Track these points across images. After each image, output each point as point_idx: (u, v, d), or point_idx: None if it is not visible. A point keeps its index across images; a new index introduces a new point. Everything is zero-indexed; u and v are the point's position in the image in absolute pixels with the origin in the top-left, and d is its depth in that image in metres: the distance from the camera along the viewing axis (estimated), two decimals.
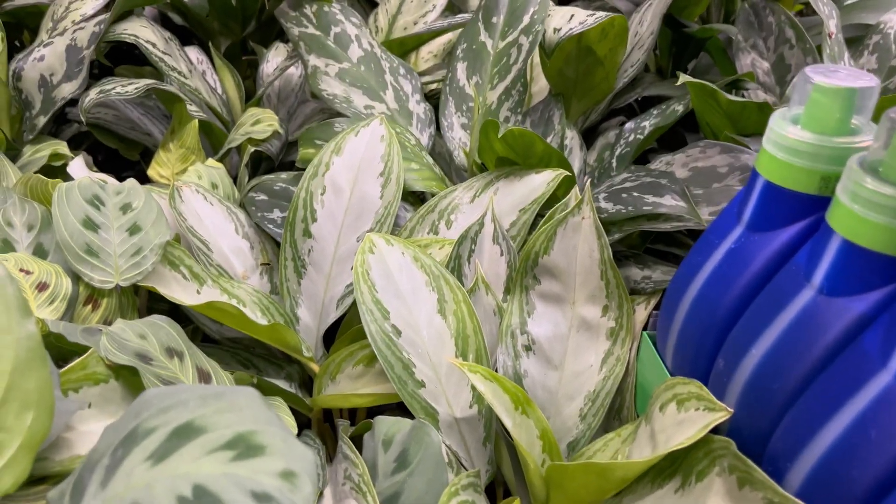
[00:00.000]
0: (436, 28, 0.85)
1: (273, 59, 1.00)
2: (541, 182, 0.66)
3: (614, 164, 0.81)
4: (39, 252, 0.56)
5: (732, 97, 0.68)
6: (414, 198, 0.73)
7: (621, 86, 0.87)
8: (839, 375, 0.36)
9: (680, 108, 0.80)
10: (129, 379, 0.49)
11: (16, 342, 0.34)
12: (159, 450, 0.33)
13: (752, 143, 0.60)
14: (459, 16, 0.86)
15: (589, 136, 0.95)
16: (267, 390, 0.66)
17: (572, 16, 0.79)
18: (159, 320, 0.53)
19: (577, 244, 0.59)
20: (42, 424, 0.35)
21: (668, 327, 0.50)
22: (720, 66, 0.96)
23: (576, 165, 0.85)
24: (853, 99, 0.40)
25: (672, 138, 0.94)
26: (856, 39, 0.90)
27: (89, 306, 0.56)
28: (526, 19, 0.75)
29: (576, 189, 0.61)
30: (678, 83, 0.65)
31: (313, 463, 0.32)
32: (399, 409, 0.70)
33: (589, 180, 0.59)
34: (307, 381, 0.72)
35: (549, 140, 0.83)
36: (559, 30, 0.78)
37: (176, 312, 0.75)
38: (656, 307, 0.58)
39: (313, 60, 0.78)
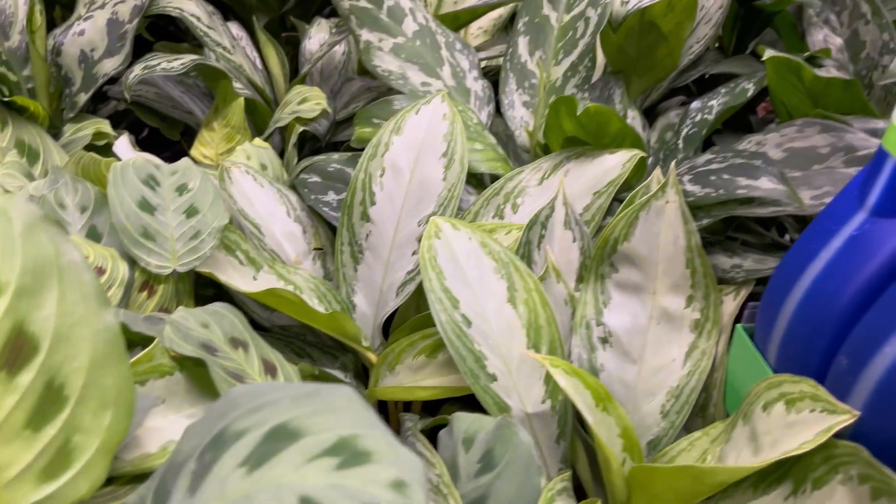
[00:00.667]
0: (492, 1, 0.80)
1: (315, 36, 0.96)
2: (615, 163, 0.62)
3: (681, 146, 0.77)
4: (93, 235, 0.53)
5: (818, 72, 0.64)
6: (476, 180, 0.69)
7: (686, 63, 0.83)
8: None
9: (750, 87, 0.76)
10: (193, 370, 0.46)
11: (94, 335, 0.31)
12: (254, 455, 0.30)
13: (852, 121, 0.56)
14: None
15: (648, 116, 0.91)
16: (324, 381, 0.63)
17: None
18: (221, 308, 0.50)
19: (661, 230, 0.55)
20: (121, 424, 0.32)
21: (772, 321, 0.47)
22: (787, 43, 0.91)
23: None
24: None
25: (735, 121, 0.89)
26: None
27: (145, 292, 0.53)
28: None
29: (657, 171, 0.58)
30: (764, 58, 0.61)
31: (423, 471, 0.29)
32: (459, 402, 0.67)
33: (672, 160, 0.55)
34: (361, 372, 0.69)
35: None
36: (627, 2, 0.73)
37: (220, 298, 0.72)
38: (750, 298, 0.54)
39: (366, 35, 0.74)
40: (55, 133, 0.77)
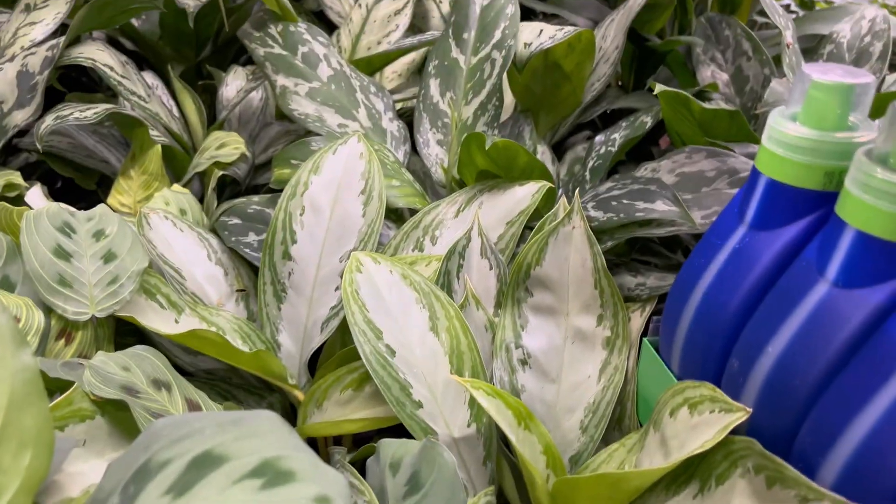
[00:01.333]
0: (405, 45, 0.84)
1: (232, 83, 0.97)
2: (525, 194, 0.66)
3: (588, 177, 0.81)
4: (6, 285, 0.52)
5: (706, 105, 0.69)
6: (395, 215, 0.71)
7: (589, 100, 0.88)
8: (866, 366, 0.36)
9: (648, 120, 0.81)
10: (115, 414, 0.46)
11: (11, 375, 0.31)
12: (178, 483, 0.30)
13: (734, 146, 0.61)
14: (428, 33, 0.86)
15: (557, 151, 0.96)
16: None
17: (541, 31, 0.80)
18: (142, 351, 0.50)
19: (569, 254, 0.59)
20: (41, 464, 0.32)
21: (672, 332, 0.50)
22: (680, 79, 0.98)
23: None
24: (851, 95, 0.41)
25: (638, 151, 0.95)
26: (809, 49, 0.93)
27: (62, 340, 0.52)
28: (497, 34, 0.75)
29: (563, 199, 0.61)
30: (655, 92, 0.66)
31: (346, 486, 0.30)
32: (388, 433, 0.68)
33: (577, 189, 0.59)
34: (290, 410, 0.69)
35: None
36: (529, 44, 0.78)
37: (143, 343, 0.71)
38: (654, 313, 0.58)
39: (281, 80, 0.76)
40: None
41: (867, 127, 0.42)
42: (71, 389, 0.42)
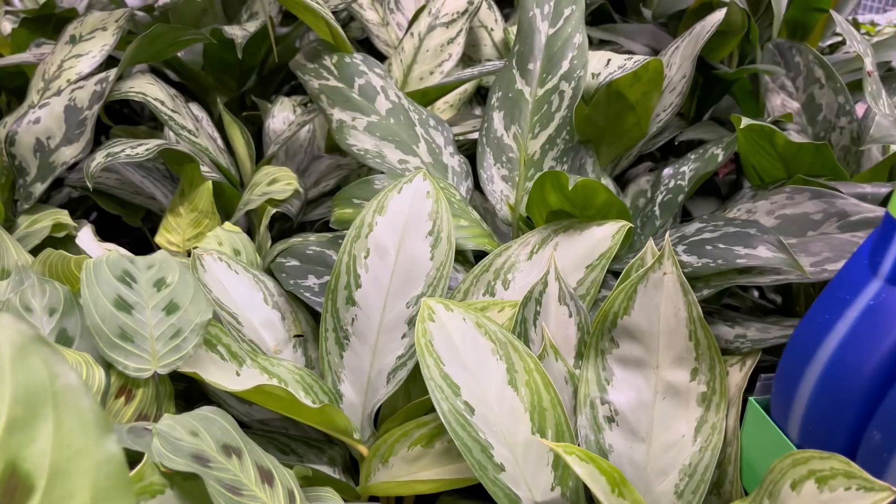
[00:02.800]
0: (464, 77, 0.80)
1: (279, 115, 0.95)
2: (604, 235, 0.61)
3: (657, 213, 0.77)
4: (63, 339, 0.49)
5: (791, 137, 0.65)
6: (462, 257, 0.67)
7: (654, 131, 0.84)
8: None
9: (720, 153, 0.77)
10: (184, 485, 0.42)
11: (95, 467, 0.27)
12: None
13: (840, 187, 0.56)
14: (489, 63, 0.82)
15: (619, 183, 0.92)
16: (317, 481, 0.59)
17: (609, 60, 0.76)
18: (210, 412, 0.46)
19: (661, 303, 0.54)
20: None
21: (789, 394, 0.45)
22: (744, 108, 0.94)
23: None
24: None
25: (701, 185, 0.91)
26: (885, 77, 0.88)
27: (122, 398, 0.49)
28: (565, 65, 0.72)
29: (651, 243, 0.57)
30: (741, 126, 0.62)
31: None
32: (456, 493, 0.64)
33: (668, 233, 0.55)
34: (350, 465, 0.65)
35: None
36: (598, 75, 0.74)
37: (191, 391, 0.67)
38: (759, 369, 0.53)
39: (338, 114, 0.73)
40: (8, 226, 0.72)
41: None
42: (142, 463, 0.38)
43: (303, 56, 0.78)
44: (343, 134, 0.72)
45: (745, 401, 0.52)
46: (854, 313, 0.42)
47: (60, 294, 0.50)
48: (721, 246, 0.54)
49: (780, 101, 0.86)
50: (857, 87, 0.89)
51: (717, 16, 0.80)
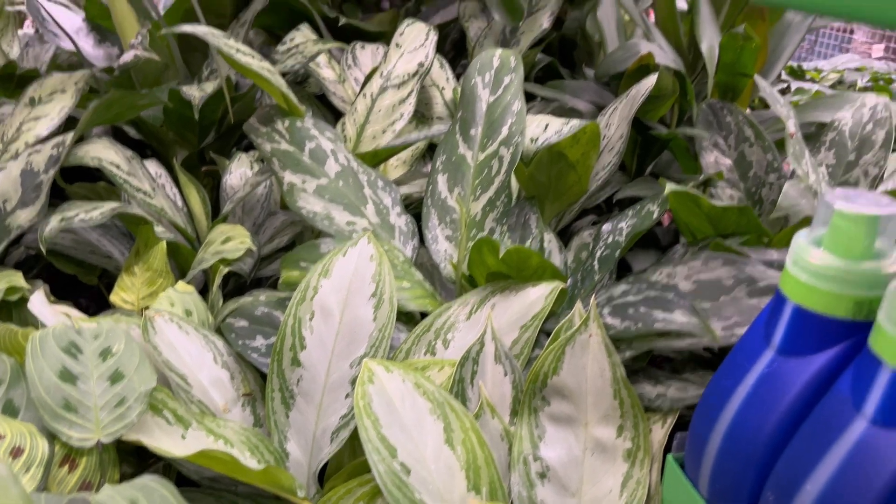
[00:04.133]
0: (412, 140, 0.84)
1: (236, 171, 0.97)
2: (538, 296, 0.65)
3: (596, 267, 0.81)
4: (10, 409, 0.51)
5: (715, 202, 0.69)
6: (406, 317, 0.70)
7: (594, 188, 0.88)
8: None
9: (655, 209, 0.81)
10: None
11: None
12: None
13: (749, 252, 0.60)
14: (434, 128, 0.86)
15: (562, 236, 0.95)
16: None
17: (547, 125, 0.80)
18: (151, 481, 0.48)
19: (587, 363, 0.57)
20: None
21: (700, 453, 0.49)
22: (682, 163, 0.98)
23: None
24: (878, 224, 0.41)
25: (644, 236, 0.95)
26: (811, 136, 0.94)
27: (66, 467, 0.50)
28: (504, 131, 0.76)
29: (579, 305, 0.60)
30: (665, 193, 0.66)
31: None
32: None
33: (593, 297, 0.58)
34: None
35: (528, 244, 0.83)
36: (536, 139, 0.78)
37: (142, 455, 0.69)
38: (677, 427, 0.56)
39: (289, 177, 0.76)
40: None
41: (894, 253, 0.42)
42: None
43: (256, 119, 0.82)
44: (293, 196, 0.75)
45: (664, 457, 0.55)
46: (751, 380, 0.45)
47: (7, 366, 0.52)
48: (642, 310, 0.58)
49: (714, 158, 0.91)
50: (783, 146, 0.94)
51: (649, 82, 0.85)
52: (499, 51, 0.81)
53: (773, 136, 0.97)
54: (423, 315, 0.68)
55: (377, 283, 0.65)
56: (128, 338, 0.55)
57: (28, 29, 1.64)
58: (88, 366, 0.52)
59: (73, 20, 1.30)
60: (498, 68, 0.79)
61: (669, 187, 0.67)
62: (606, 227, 0.84)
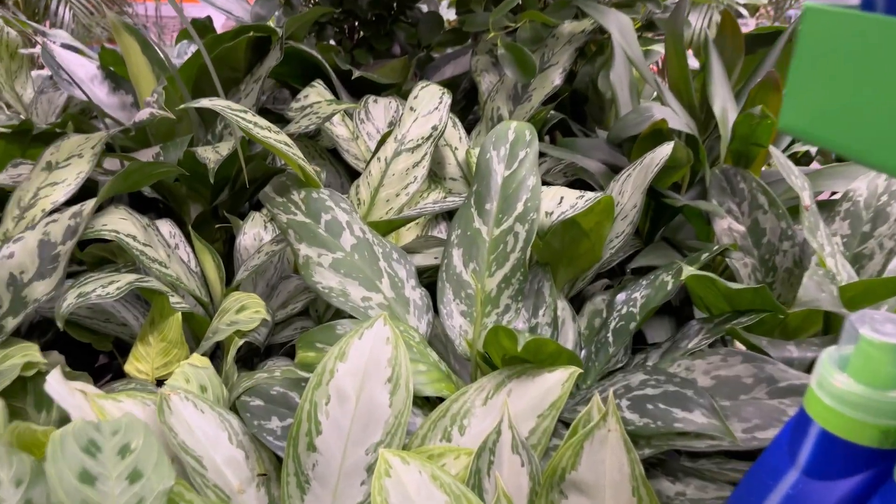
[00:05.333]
0: (426, 211, 0.84)
1: (250, 231, 0.98)
2: (555, 382, 0.65)
3: (611, 340, 0.81)
4: None
5: (731, 285, 0.69)
6: (421, 399, 0.70)
7: (608, 256, 0.88)
8: None
9: (669, 280, 0.81)
10: None
11: None
12: None
13: (769, 349, 0.60)
14: (450, 199, 0.87)
15: (575, 302, 0.95)
16: None
17: (562, 198, 0.80)
18: None
19: (605, 458, 0.57)
20: None
21: None
22: (695, 226, 0.98)
23: (570, 336, 0.85)
24: None
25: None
26: (825, 205, 0.94)
27: None
28: (519, 207, 0.76)
29: (597, 398, 0.60)
30: (682, 278, 0.66)
31: None
32: None
33: (612, 389, 0.58)
34: None
35: (541, 313, 0.83)
36: (551, 213, 0.79)
37: None
38: None
39: (304, 250, 0.76)
40: None
41: None
42: None
43: (272, 189, 0.82)
44: (309, 270, 0.75)
45: None
46: (776, 499, 0.45)
47: (27, 465, 0.52)
48: (661, 406, 0.57)
49: (727, 225, 0.91)
50: (798, 212, 0.94)
51: (664, 152, 0.85)
52: (514, 124, 0.81)
53: (785, 200, 0.98)
54: (439, 399, 0.68)
55: (393, 366, 0.65)
56: (146, 433, 0.55)
57: (42, 70, 1.65)
58: (107, 465, 0.52)
59: (87, 67, 1.31)
60: (513, 142, 0.79)
61: (686, 271, 0.67)
62: (621, 297, 0.84)
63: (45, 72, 1.58)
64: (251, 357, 0.88)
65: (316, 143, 1.16)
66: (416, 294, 0.77)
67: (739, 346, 0.79)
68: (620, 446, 0.57)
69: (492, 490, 0.61)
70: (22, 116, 1.36)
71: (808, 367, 0.61)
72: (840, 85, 0.34)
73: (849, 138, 0.34)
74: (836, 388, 0.42)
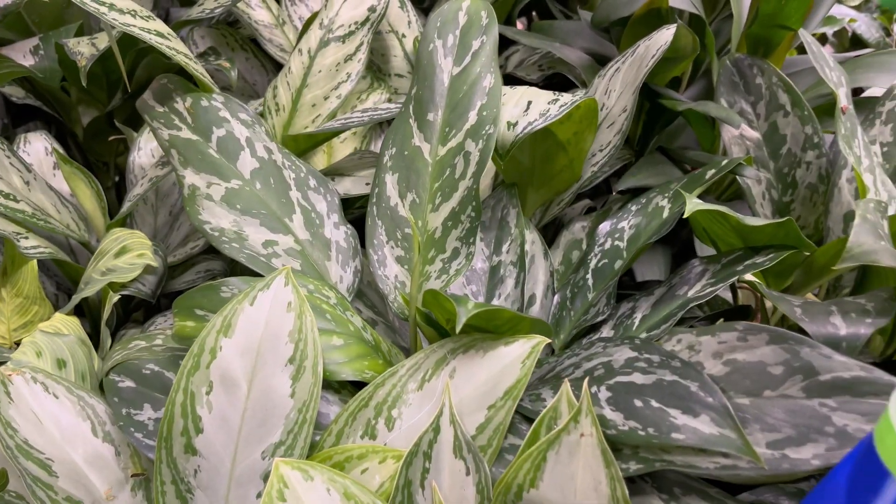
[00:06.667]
0: (353, 123, 0.65)
1: (147, 146, 0.79)
2: (513, 359, 0.48)
3: (591, 283, 0.64)
4: None
5: (746, 220, 0.52)
6: (338, 382, 0.54)
7: (588, 174, 0.70)
8: None
9: (665, 205, 0.64)
10: None
11: None
12: None
13: (806, 320, 0.43)
14: (383, 105, 0.67)
15: (549, 231, 0.78)
16: None
17: (529, 103, 0.61)
18: None
19: (576, 473, 0.42)
20: None
21: None
22: (698, 132, 0.80)
23: (540, 279, 0.68)
24: None
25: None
26: (862, 104, 0.75)
27: None
28: (472, 117, 0.57)
29: (567, 388, 0.44)
30: (686, 214, 0.49)
31: None
32: None
33: (586, 380, 0.42)
34: None
35: (504, 248, 0.66)
36: (514, 124, 0.60)
37: None
38: None
39: (190, 178, 0.58)
40: None
41: None
42: None
43: (151, 95, 0.62)
44: (195, 205, 0.57)
45: None
46: None
47: None
48: (654, 405, 0.41)
49: (738, 131, 0.73)
50: (826, 113, 0.76)
51: (664, 36, 0.65)
52: (466, 2, 0.61)
53: (811, 99, 0.79)
54: (362, 382, 0.52)
55: (296, 342, 0.48)
56: None
57: None
58: None
59: None
60: (465, 27, 0.60)
61: (691, 205, 0.50)
62: (604, 226, 0.67)
63: None
64: (143, 310, 0.71)
65: (237, 31, 0.94)
66: (339, 234, 0.59)
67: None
68: (597, 458, 0.41)
69: None
70: None
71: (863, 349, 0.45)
72: None
73: None
74: None
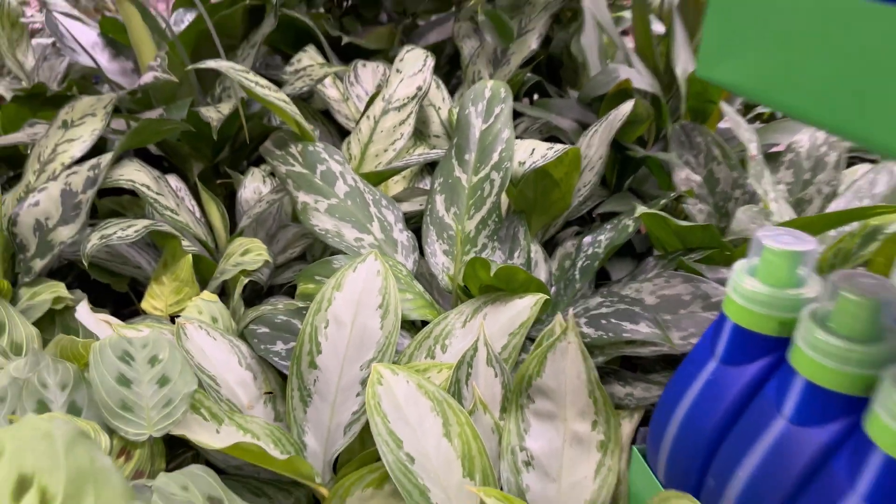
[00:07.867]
0: (412, 162, 0.93)
1: (250, 185, 1.06)
2: (524, 306, 0.74)
3: (577, 276, 0.90)
4: (73, 409, 0.60)
5: (681, 222, 0.78)
6: (408, 324, 0.79)
7: (576, 203, 0.97)
8: (817, 497, 0.44)
9: (630, 224, 0.90)
10: None
11: None
12: None
13: (707, 272, 0.70)
14: (432, 152, 0.95)
15: (548, 247, 1.05)
16: None
17: (533, 149, 0.89)
18: (197, 469, 0.57)
19: (566, 367, 0.67)
20: None
21: (657, 445, 0.58)
22: (658, 178, 1.07)
23: (542, 276, 0.94)
24: (799, 259, 0.50)
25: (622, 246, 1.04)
26: (772, 156, 1.03)
27: (123, 457, 0.59)
28: (495, 157, 0.85)
29: (559, 316, 0.70)
30: (636, 214, 0.75)
31: None
32: None
33: (571, 310, 0.67)
34: (314, 502, 0.76)
35: (516, 255, 0.92)
36: (523, 163, 0.87)
37: (174, 440, 0.78)
38: (642, 423, 0.66)
39: (302, 197, 0.85)
40: (9, 298, 0.82)
41: (813, 280, 0.51)
42: None
43: (271, 143, 0.90)
44: (307, 215, 0.84)
45: (631, 448, 0.65)
46: (699, 385, 0.55)
47: (70, 372, 0.61)
48: (613, 321, 0.67)
49: (685, 175, 1.00)
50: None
51: (626, 108, 0.94)
52: (490, 82, 0.89)
53: (739, 153, 1.07)
54: (424, 323, 0.77)
55: (384, 295, 0.74)
56: (171, 346, 0.64)
57: (39, 39, 1.71)
58: (140, 371, 0.61)
59: (88, 35, 1.38)
60: (490, 99, 0.88)
61: (640, 209, 0.76)
62: (587, 239, 0.93)
63: (44, 40, 1.63)
64: (255, 297, 0.97)
65: (309, 105, 1.24)
66: (403, 236, 0.86)
67: None
68: (579, 356, 0.66)
69: (469, 397, 0.71)
70: (24, 84, 1.42)
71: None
72: (752, 31, 0.41)
73: (757, 84, 0.43)
74: (745, 290, 0.51)
